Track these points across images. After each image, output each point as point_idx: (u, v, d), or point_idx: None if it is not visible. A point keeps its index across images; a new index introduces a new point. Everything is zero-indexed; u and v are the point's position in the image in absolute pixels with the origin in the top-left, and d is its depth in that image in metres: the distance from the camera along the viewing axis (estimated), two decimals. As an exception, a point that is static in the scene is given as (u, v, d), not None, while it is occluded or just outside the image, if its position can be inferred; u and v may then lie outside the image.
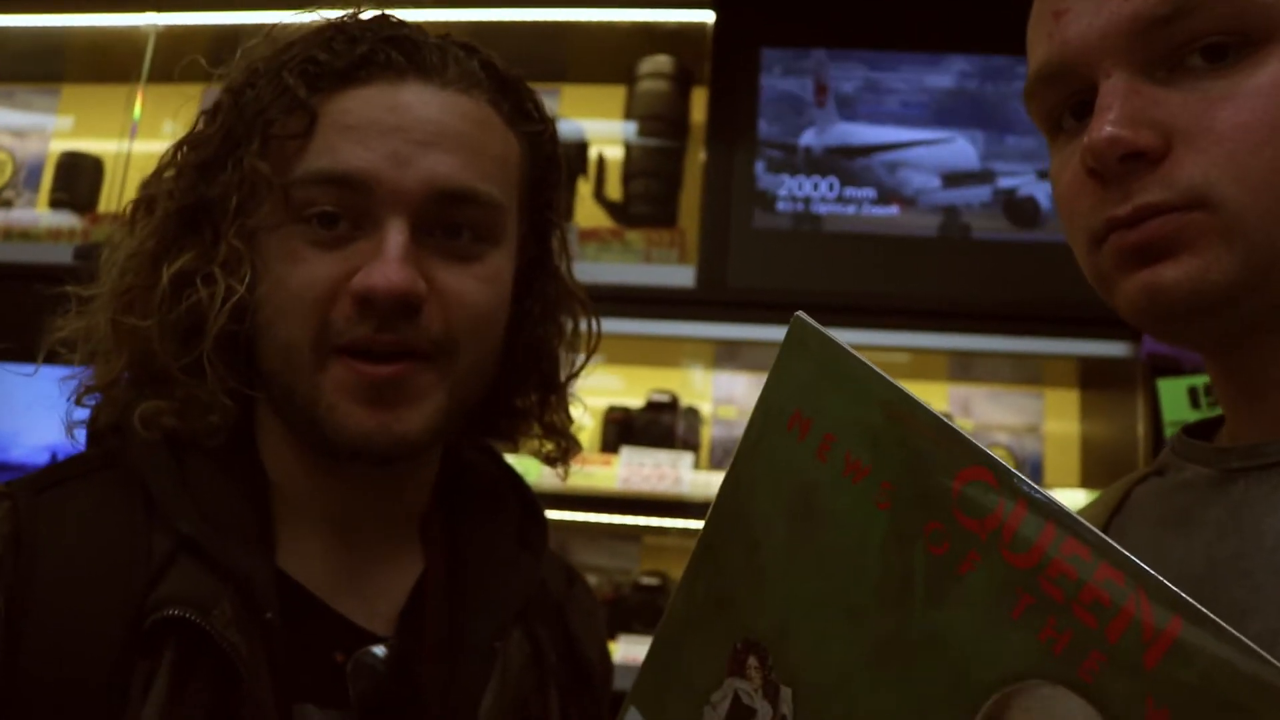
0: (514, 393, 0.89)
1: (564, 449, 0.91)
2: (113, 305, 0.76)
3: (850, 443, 0.51)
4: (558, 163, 0.88)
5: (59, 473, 0.76)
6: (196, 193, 0.75)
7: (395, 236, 0.72)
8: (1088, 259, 0.65)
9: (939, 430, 0.47)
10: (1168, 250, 0.59)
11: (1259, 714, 0.36)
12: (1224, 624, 0.38)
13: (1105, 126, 0.58)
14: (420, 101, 0.75)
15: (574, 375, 0.92)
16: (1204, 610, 0.38)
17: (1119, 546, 0.41)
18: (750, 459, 0.58)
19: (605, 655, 0.96)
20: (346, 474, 0.79)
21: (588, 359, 0.92)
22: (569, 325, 0.90)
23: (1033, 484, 0.44)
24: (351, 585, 0.79)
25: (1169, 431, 2.04)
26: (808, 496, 0.53)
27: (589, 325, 0.92)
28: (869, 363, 0.52)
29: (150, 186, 0.79)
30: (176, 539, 0.71)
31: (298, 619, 0.74)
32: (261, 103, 0.74)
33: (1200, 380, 2.02)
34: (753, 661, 0.54)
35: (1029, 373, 2.50)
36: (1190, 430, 0.71)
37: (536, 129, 0.84)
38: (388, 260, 0.71)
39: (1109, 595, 0.40)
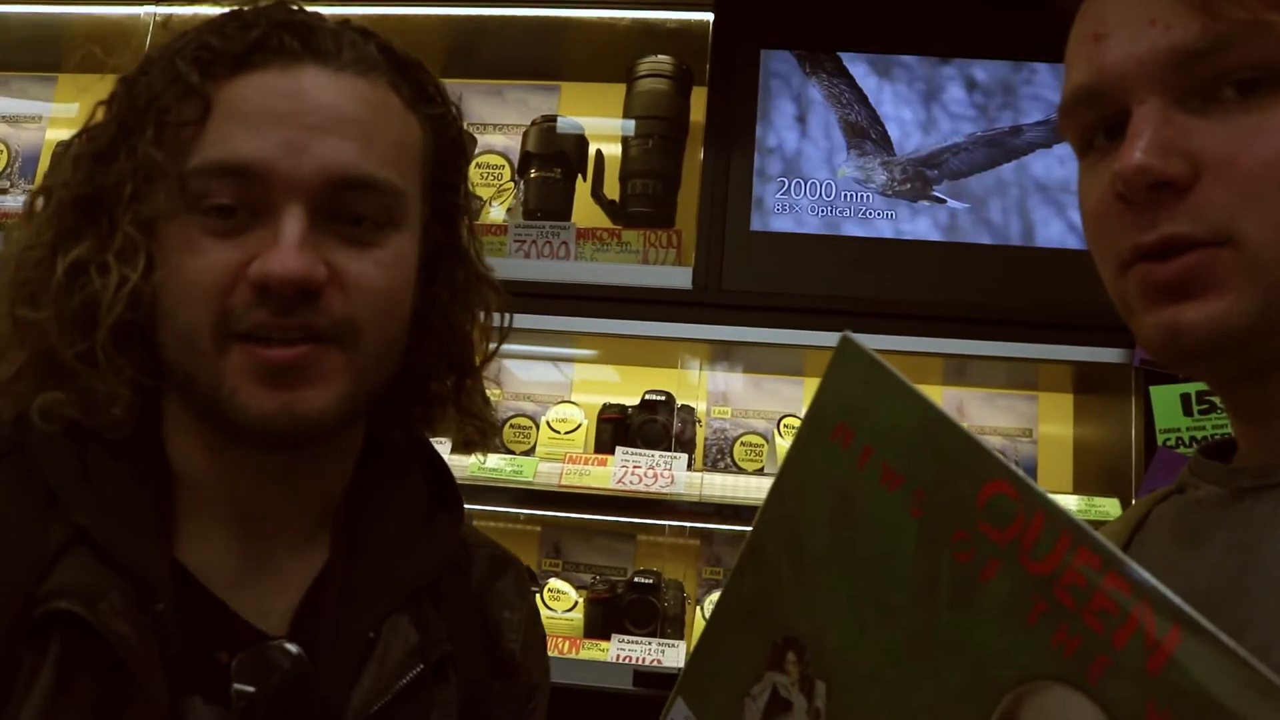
0: (428, 378, 0.89)
1: (482, 432, 0.92)
2: (11, 299, 0.75)
3: (888, 454, 0.55)
4: (462, 147, 0.88)
5: None
6: (93, 183, 0.75)
7: (292, 224, 0.72)
8: (1114, 283, 0.66)
9: (967, 445, 0.51)
10: (1194, 289, 0.60)
11: (1254, 718, 0.38)
12: (1221, 634, 0.40)
13: (1136, 154, 0.60)
14: (315, 86, 0.75)
15: (488, 359, 0.92)
16: (1203, 621, 0.40)
17: (1126, 558, 0.43)
18: (797, 466, 0.62)
19: (536, 649, 0.94)
20: (251, 463, 0.78)
21: (500, 343, 0.93)
22: (481, 311, 0.91)
23: (1049, 497, 0.47)
24: (252, 579, 0.79)
25: (1161, 439, 2.05)
26: (847, 503, 0.57)
27: (502, 313, 0.92)
28: (907, 380, 0.55)
29: (49, 178, 0.78)
30: (71, 530, 0.71)
31: (190, 613, 0.73)
32: (154, 90, 0.74)
33: (1193, 388, 2.03)
34: (791, 657, 0.58)
35: (1023, 377, 2.51)
36: (1208, 450, 0.72)
37: (438, 111, 0.84)
38: (285, 247, 0.71)
39: (1116, 604, 0.43)
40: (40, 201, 0.78)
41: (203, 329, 0.72)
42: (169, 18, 0.81)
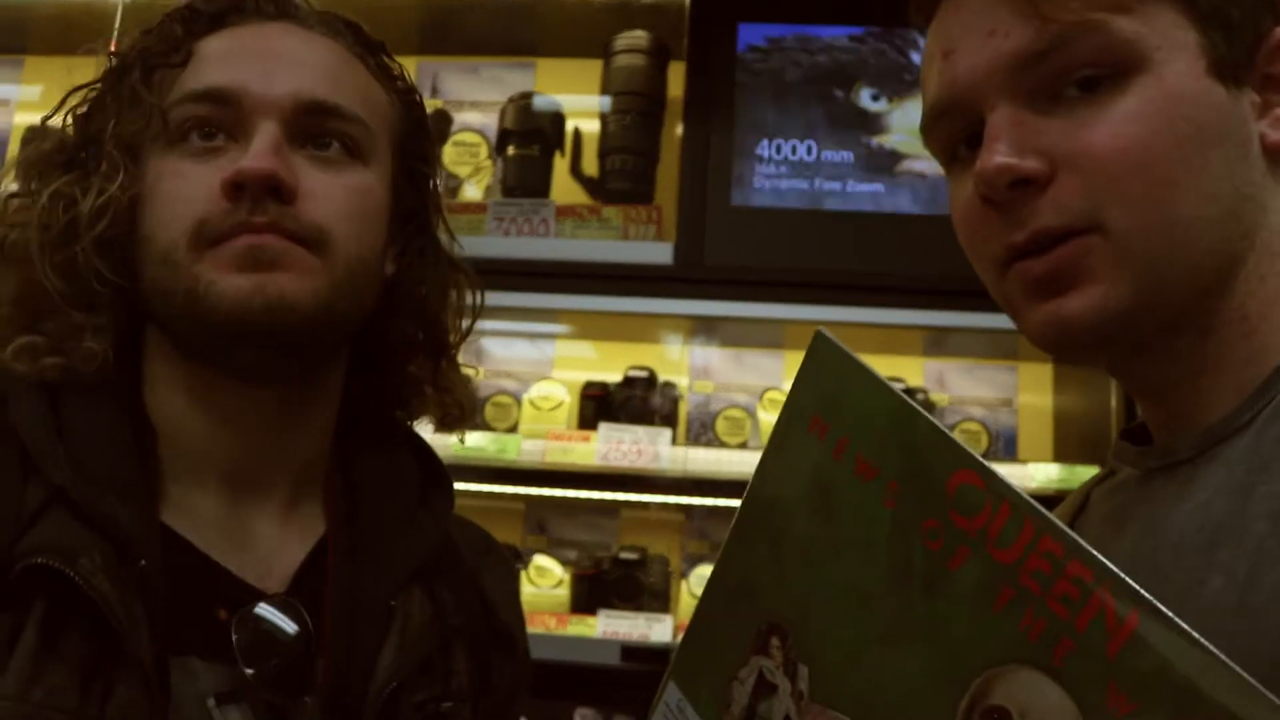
0: (406, 359, 0.92)
1: (462, 407, 0.94)
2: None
3: (862, 446, 0.57)
4: (428, 131, 0.93)
5: None
6: (82, 134, 0.81)
7: (264, 136, 0.76)
8: (996, 286, 0.70)
9: (936, 436, 0.52)
10: (1071, 280, 0.63)
11: (1206, 696, 0.40)
12: (1175, 617, 0.42)
13: (994, 156, 0.63)
14: (286, 35, 0.82)
15: (462, 339, 0.95)
16: (1159, 605, 0.42)
17: (1087, 545, 0.45)
18: (776, 456, 0.64)
19: (522, 624, 0.98)
20: (233, 404, 0.80)
21: (474, 322, 0.96)
22: (453, 291, 0.93)
23: (1014, 487, 0.48)
24: (242, 542, 0.80)
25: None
26: (825, 493, 0.59)
27: (474, 292, 0.95)
28: (880, 375, 0.57)
29: (32, 147, 0.83)
30: (50, 490, 0.71)
31: (181, 573, 0.74)
32: (144, 44, 0.81)
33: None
34: (775, 642, 0.60)
35: (1003, 347, 2.52)
36: (1130, 432, 0.75)
37: (404, 88, 0.90)
38: (256, 150, 0.75)
39: (1078, 589, 0.44)
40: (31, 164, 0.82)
41: (180, 241, 0.75)
42: None
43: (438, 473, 0.93)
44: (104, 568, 0.69)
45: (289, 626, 0.77)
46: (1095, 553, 0.44)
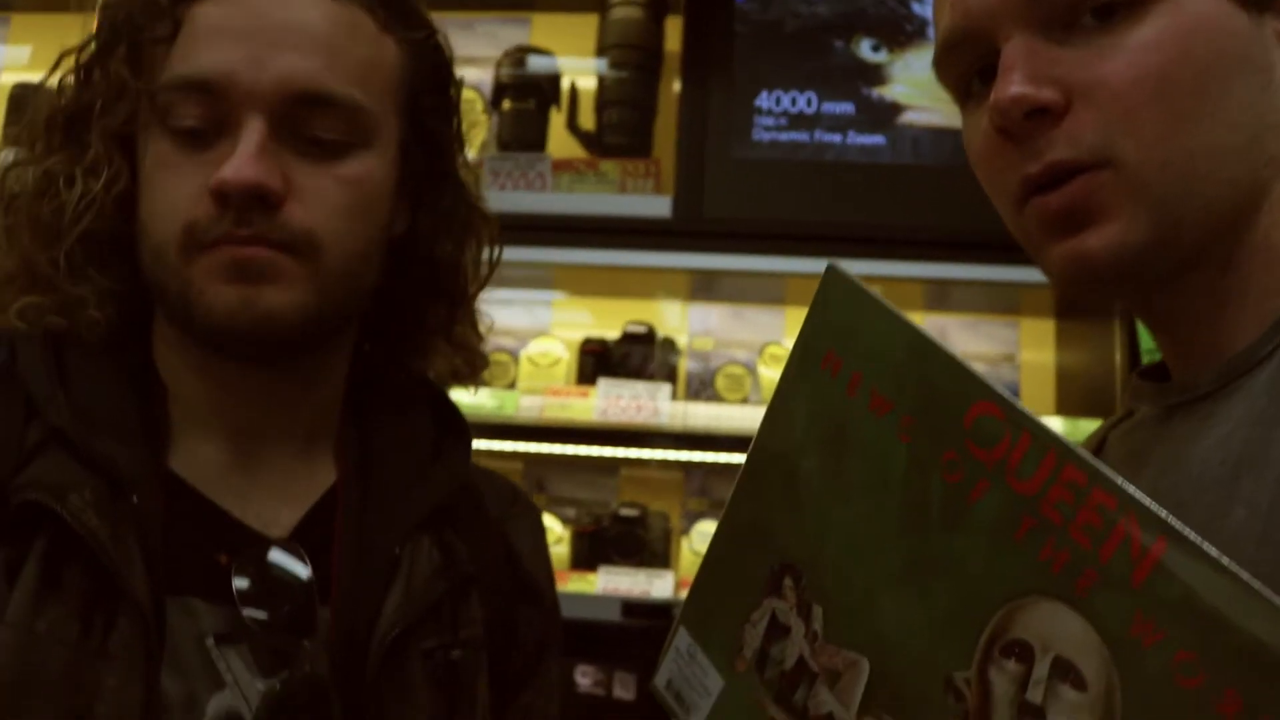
0: (421, 309, 0.90)
1: (471, 364, 0.93)
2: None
3: (876, 380, 0.55)
4: (449, 73, 0.89)
5: None
6: (74, 103, 0.79)
7: (250, 135, 0.73)
8: (1014, 222, 0.68)
9: (953, 367, 0.51)
10: (1088, 216, 0.62)
11: (1235, 623, 0.39)
12: (1204, 543, 0.40)
13: (1009, 86, 0.62)
14: (279, 3, 0.77)
15: (479, 289, 0.93)
16: (1186, 531, 0.41)
17: (1112, 473, 0.44)
18: (787, 396, 0.63)
19: (550, 577, 0.97)
20: (235, 379, 0.80)
21: (490, 272, 0.94)
22: (473, 241, 0.92)
23: (1035, 417, 0.47)
24: (252, 490, 0.81)
25: (1146, 359, 2.06)
26: (838, 430, 0.58)
27: (491, 246, 0.93)
28: (894, 307, 0.56)
29: (39, 103, 0.82)
30: (49, 432, 0.73)
31: (184, 516, 0.76)
32: (128, 12, 0.78)
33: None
34: (788, 582, 0.59)
35: (1005, 302, 2.51)
36: (1147, 371, 0.74)
37: (418, 35, 0.85)
38: (241, 156, 0.73)
39: (1101, 518, 0.43)
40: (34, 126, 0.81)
41: (171, 243, 0.75)
42: None
43: (455, 424, 0.92)
44: (94, 504, 0.70)
45: (302, 572, 0.77)
46: (1119, 480, 0.43)
